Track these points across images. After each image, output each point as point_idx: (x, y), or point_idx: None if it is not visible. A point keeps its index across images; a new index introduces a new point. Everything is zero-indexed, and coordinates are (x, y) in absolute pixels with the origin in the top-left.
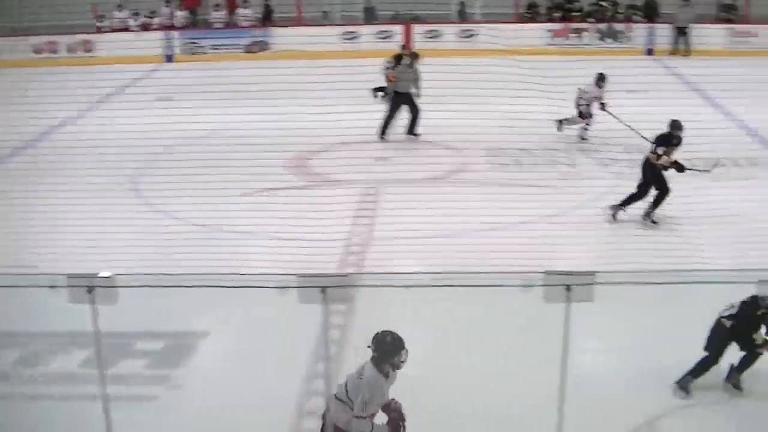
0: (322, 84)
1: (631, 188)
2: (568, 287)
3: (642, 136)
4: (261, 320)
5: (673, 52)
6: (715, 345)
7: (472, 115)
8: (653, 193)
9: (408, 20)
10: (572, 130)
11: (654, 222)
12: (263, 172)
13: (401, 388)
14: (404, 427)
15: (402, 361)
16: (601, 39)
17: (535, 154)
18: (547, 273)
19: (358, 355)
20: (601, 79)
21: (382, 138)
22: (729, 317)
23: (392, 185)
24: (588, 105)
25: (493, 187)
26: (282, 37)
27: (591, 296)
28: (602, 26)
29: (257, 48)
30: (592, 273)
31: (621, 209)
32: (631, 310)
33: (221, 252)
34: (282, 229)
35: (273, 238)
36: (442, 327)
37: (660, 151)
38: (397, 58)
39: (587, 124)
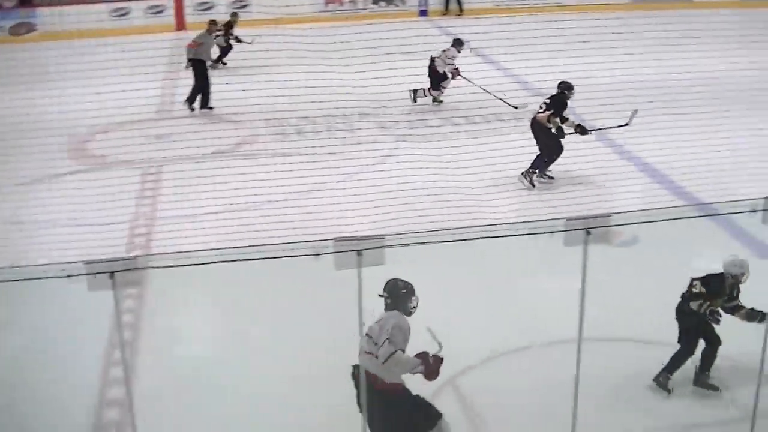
0: (94, 63)
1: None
2: (359, 252)
3: (502, 99)
4: (52, 312)
5: (446, 13)
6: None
7: (252, 86)
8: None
9: None
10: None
11: (551, 178)
12: (41, 158)
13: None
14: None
15: (414, 307)
16: (375, 3)
17: (316, 122)
18: (337, 240)
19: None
20: (458, 43)
21: (192, 109)
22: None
23: (174, 163)
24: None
25: (277, 158)
26: (49, 16)
27: (382, 260)
28: None
29: (23, 29)
30: (381, 236)
31: (534, 174)
32: (421, 270)
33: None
34: (67, 216)
35: (59, 226)
36: (237, 302)
37: (548, 112)
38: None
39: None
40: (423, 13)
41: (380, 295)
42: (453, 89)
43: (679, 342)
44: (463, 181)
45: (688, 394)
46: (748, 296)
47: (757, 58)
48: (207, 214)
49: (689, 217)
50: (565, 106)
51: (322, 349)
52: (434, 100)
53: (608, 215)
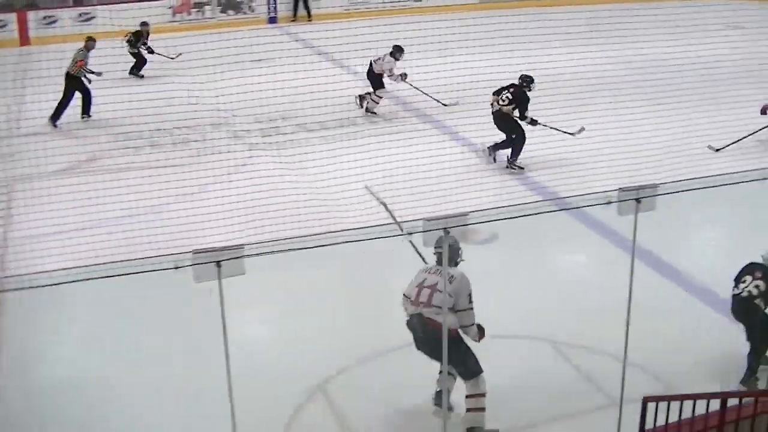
0: None
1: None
2: (218, 263)
3: (440, 102)
4: None
5: (294, 19)
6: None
7: (103, 100)
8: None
9: (22, 7)
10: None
11: (521, 168)
12: None
13: None
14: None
15: (462, 260)
16: (223, 11)
17: (171, 134)
18: (195, 252)
19: None
20: (398, 50)
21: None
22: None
23: (25, 181)
24: (382, 76)
25: (131, 172)
26: None
27: (242, 269)
28: None
29: None
30: (241, 246)
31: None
32: (282, 278)
33: None
34: None
35: None
36: (102, 322)
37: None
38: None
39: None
40: (272, 20)
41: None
42: (310, 96)
43: (749, 340)
44: (318, 187)
45: None
46: None
47: (600, 53)
48: (62, 232)
49: (546, 212)
50: (528, 99)
51: (187, 360)
52: (368, 110)
53: (466, 214)
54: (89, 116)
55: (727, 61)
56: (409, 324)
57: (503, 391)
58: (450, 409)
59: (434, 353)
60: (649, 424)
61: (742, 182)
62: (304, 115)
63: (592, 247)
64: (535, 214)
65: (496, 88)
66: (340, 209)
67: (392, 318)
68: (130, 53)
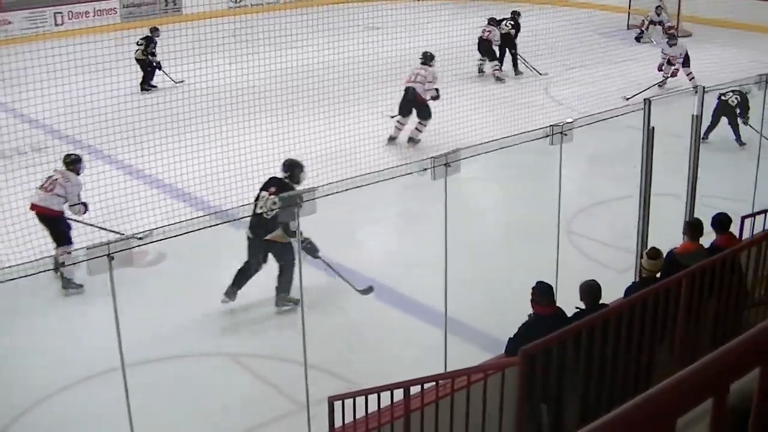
0: None
1: None
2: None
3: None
4: None
5: None
6: None
7: None
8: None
9: None
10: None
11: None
12: None
13: None
14: None
15: None
16: None
17: None
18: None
19: None
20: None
21: None
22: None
23: None
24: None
25: None
26: None
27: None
28: None
29: None
30: (129, 237)
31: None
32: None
33: None
34: None
35: None
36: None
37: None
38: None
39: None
40: None
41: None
42: None
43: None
44: None
45: None
46: None
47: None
48: None
49: (210, 226)
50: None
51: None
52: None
53: (129, 237)
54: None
55: (368, 61)
56: None
57: (186, 411)
58: None
59: None
60: (338, 423)
61: (394, 177)
62: None
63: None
64: (198, 229)
65: None
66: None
67: (69, 351)
68: (138, 61)
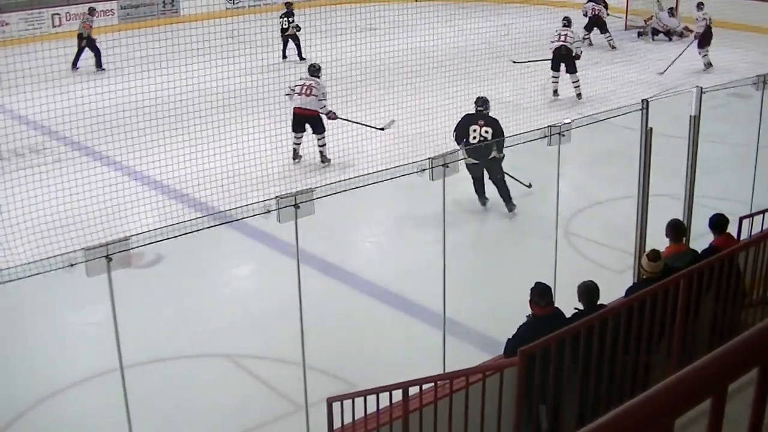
0: None
1: None
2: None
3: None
4: None
5: None
6: None
7: None
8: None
9: None
10: None
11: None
12: None
13: None
14: None
15: None
16: None
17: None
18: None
19: None
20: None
21: None
22: None
23: None
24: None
25: None
26: None
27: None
28: None
29: None
30: (127, 237)
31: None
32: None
33: None
34: None
35: None
36: None
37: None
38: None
39: None
40: None
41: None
42: None
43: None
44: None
45: None
46: None
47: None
48: None
49: (208, 227)
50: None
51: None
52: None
53: (127, 239)
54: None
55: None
56: None
57: (184, 412)
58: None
59: None
60: (337, 424)
61: (393, 178)
62: None
63: (259, 258)
64: (197, 230)
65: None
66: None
67: (64, 354)
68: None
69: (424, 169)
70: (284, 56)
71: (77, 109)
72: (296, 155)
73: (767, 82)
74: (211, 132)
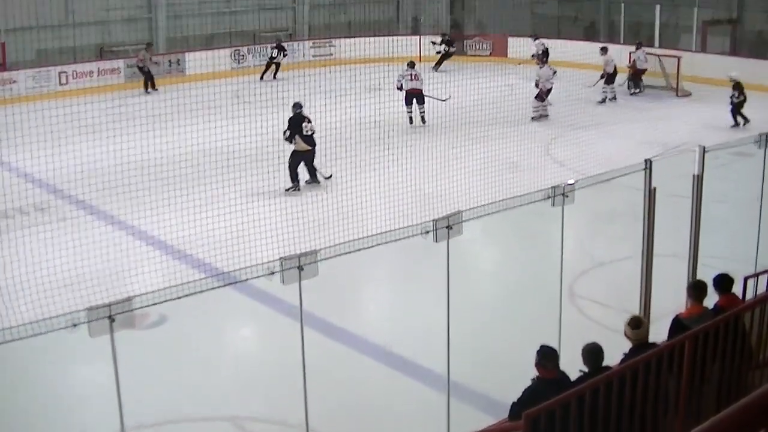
0: None
1: None
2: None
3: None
4: None
5: None
6: None
7: None
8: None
9: None
10: None
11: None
12: None
13: None
14: None
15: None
16: None
17: None
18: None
19: None
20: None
21: None
22: None
23: None
24: None
25: None
26: None
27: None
28: None
29: None
30: (131, 298)
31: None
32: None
33: None
34: None
35: None
36: None
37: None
38: None
39: None
40: None
41: None
42: None
43: None
44: None
45: None
46: None
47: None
48: None
49: (212, 288)
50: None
51: None
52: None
53: (130, 299)
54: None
55: (368, 122)
56: None
57: None
58: None
59: None
60: None
61: (397, 240)
62: None
63: (263, 319)
64: (201, 291)
65: None
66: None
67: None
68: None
69: (428, 231)
70: (261, 78)
71: (83, 167)
72: (411, 120)
73: None
74: (215, 192)
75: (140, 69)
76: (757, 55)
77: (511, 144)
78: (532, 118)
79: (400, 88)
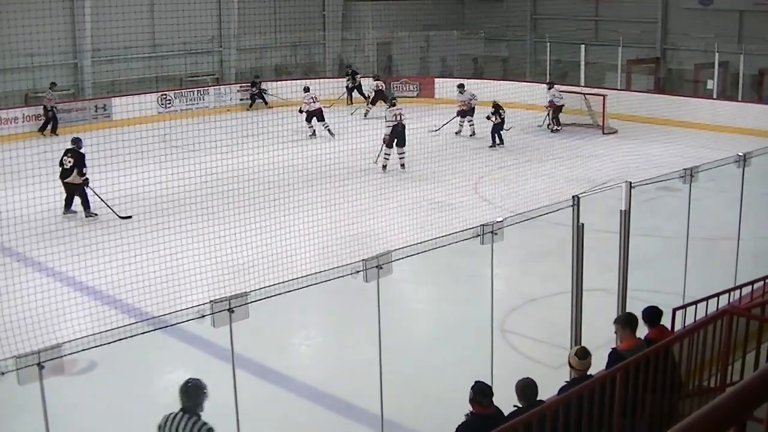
0: None
1: None
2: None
3: None
4: None
5: None
6: None
7: None
8: None
9: None
10: None
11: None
12: None
13: None
14: None
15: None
16: None
17: None
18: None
19: None
20: None
21: None
22: None
23: None
24: None
25: None
26: None
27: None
28: None
29: None
30: (59, 345)
31: None
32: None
33: None
34: None
35: None
36: None
37: None
38: None
39: None
40: None
41: None
42: None
43: None
44: None
45: None
46: None
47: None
48: None
49: (142, 333)
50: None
51: None
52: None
53: (59, 345)
54: None
55: (297, 164)
56: None
57: None
58: None
59: None
60: None
61: (327, 280)
62: None
63: (195, 363)
64: (131, 336)
65: None
66: None
67: None
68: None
69: (358, 271)
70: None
71: (7, 214)
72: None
73: (694, 176)
74: (143, 236)
75: (46, 111)
76: (679, 92)
77: (438, 183)
78: (383, 166)
79: (302, 111)
